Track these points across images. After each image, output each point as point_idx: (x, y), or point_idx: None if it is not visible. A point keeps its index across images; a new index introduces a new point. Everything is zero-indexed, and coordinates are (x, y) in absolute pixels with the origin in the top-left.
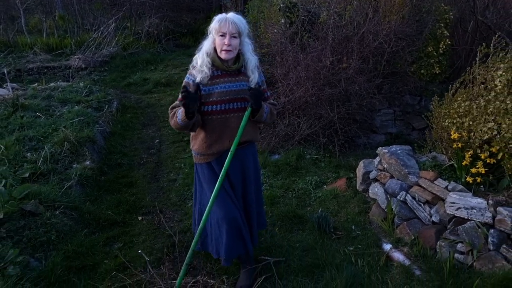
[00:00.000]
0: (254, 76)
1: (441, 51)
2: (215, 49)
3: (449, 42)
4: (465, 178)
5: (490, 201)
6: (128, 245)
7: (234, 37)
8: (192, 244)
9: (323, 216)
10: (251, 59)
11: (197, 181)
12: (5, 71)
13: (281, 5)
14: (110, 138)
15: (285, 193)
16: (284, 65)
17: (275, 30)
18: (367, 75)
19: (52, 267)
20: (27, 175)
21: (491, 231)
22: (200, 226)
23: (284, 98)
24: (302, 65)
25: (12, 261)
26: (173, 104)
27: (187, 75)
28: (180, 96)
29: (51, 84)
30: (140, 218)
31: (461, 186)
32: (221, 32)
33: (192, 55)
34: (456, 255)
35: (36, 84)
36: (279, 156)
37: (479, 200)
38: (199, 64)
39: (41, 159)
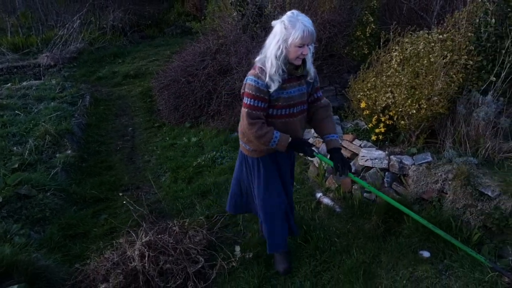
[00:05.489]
0: (311, 72)
1: (368, 34)
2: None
3: (374, 27)
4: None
5: (386, 152)
6: (113, 216)
7: (308, 45)
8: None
9: None
10: (310, 61)
11: (254, 173)
12: None
13: None
14: (86, 129)
15: None
16: (238, 54)
17: (229, 22)
18: None
19: (51, 236)
20: (16, 165)
21: (386, 173)
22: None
23: (239, 83)
24: (253, 53)
25: (16, 233)
26: (253, 114)
27: (252, 77)
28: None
29: (24, 83)
30: (120, 194)
31: (370, 143)
32: (302, 43)
33: (158, 45)
34: (364, 194)
35: (9, 84)
36: (238, 133)
37: (380, 152)
38: (273, 71)
39: (27, 151)
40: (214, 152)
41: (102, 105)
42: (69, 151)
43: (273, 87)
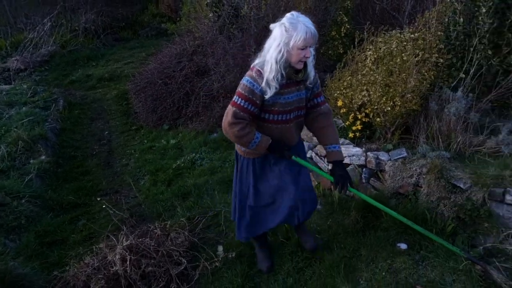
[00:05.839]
0: (311, 75)
1: (343, 34)
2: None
3: (348, 27)
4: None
5: (363, 149)
6: (91, 221)
7: (311, 47)
8: None
9: None
10: (312, 65)
11: (247, 173)
12: None
13: (208, 0)
14: (61, 134)
15: (223, 164)
16: (215, 55)
17: (205, 23)
18: None
19: (27, 244)
20: None
21: (364, 169)
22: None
23: (217, 84)
24: (230, 54)
25: None
26: (239, 115)
27: (249, 79)
28: (286, 155)
29: None
30: (99, 199)
31: (348, 141)
32: (305, 46)
33: (132, 48)
34: None
35: None
36: (217, 134)
37: (357, 149)
38: (272, 76)
39: None
40: (194, 154)
41: (77, 109)
42: (43, 157)
43: (269, 94)
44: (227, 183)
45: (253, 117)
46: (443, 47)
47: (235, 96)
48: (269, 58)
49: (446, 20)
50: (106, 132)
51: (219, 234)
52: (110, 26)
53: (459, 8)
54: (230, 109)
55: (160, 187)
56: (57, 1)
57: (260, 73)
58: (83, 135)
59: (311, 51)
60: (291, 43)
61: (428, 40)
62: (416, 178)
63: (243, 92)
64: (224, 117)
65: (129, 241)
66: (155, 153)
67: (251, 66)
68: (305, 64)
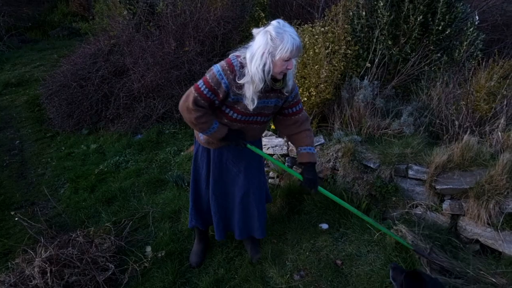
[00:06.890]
0: (289, 84)
1: None
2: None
3: (266, 22)
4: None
5: (285, 139)
6: (5, 237)
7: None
8: None
9: (179, 176)
10: (292, 76)
11: (201, 161)
12: None
13: None
14: None
15: (149, 165)
16: (132, 54)
17: (120, 22)
18: (205, 56)
19: None
20: None
21: (287, 158)
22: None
23: (137, 84)
24: (148, 53)
25: None
26: (200, 102)
27: (220, 70)
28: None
29: None
30: (12, 213)
31: (270, 132)
32: (289, 58)
33: (42, 49)
34: (270, 180)
35: None
36: (141, 135)
37: (279, 139)
38: (259, 88)
39: None
40: (117, 157)
41: None
42: None
43: (252, 106)
44: (154, 183)
45: (212, 105)
46: (350, 39)
47: (200, 81)
48: (255, 70)
49: (351, 13)
50: (17, 142)
51: (148, 235)
52: (15, 27)
53: (361, 2)
54: (191, 93)
55: (82, 195)
56: None
57: (233, 69)
58: None
59: (293, 63)
60: (277, 55)
61: (336, 33)
62: (333, 162)
63: (209, 80)
64: (183, 98)
65: (48, 252)
66: (75, 159)
67: (228, 57)
68: (284, 74)
